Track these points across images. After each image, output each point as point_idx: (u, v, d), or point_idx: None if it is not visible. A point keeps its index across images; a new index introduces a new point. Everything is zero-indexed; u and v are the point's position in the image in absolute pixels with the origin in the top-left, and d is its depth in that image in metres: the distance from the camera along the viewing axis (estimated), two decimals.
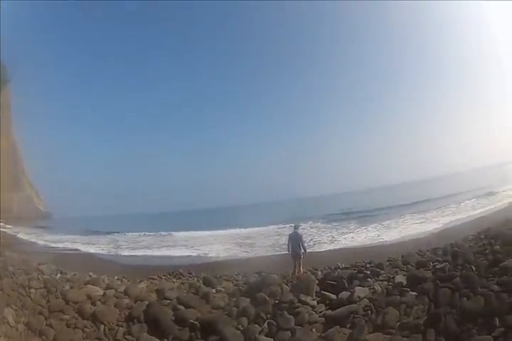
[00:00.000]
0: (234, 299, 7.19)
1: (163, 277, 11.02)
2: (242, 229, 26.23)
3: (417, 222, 19.07)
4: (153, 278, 10.95)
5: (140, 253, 19.22)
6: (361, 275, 7.78)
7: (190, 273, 10.89)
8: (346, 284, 7.38)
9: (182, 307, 6.62)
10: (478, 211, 19.10)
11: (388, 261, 9.26)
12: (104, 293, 6.92)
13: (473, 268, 6.06)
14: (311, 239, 17.14)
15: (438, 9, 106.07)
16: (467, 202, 23.38)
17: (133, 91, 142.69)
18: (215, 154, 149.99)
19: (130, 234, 30.17)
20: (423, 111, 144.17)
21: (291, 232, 10.35)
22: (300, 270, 9.48)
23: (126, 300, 6.86)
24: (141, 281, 9.42)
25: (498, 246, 6.97)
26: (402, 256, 9.26)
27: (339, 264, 9.92)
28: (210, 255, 15.98)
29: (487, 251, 7.09)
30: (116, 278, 11.31)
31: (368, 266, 9.20)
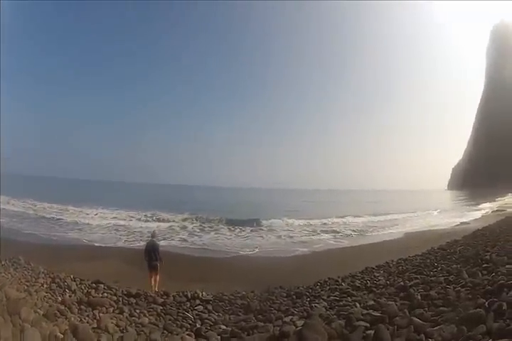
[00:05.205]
0: None
1: (3, 262, 10.77)
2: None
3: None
4: None
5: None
6: None
7: (29, 264, 10.69)
8: None
9: None
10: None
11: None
12: None
13: None
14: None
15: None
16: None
17: None
18: None
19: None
20: None
21: (148, 240, 9.99)
22: (155, 286, 8.63)
23: None
24: None
25: None
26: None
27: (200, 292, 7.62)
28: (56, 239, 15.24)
29: None
30: None
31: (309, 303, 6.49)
